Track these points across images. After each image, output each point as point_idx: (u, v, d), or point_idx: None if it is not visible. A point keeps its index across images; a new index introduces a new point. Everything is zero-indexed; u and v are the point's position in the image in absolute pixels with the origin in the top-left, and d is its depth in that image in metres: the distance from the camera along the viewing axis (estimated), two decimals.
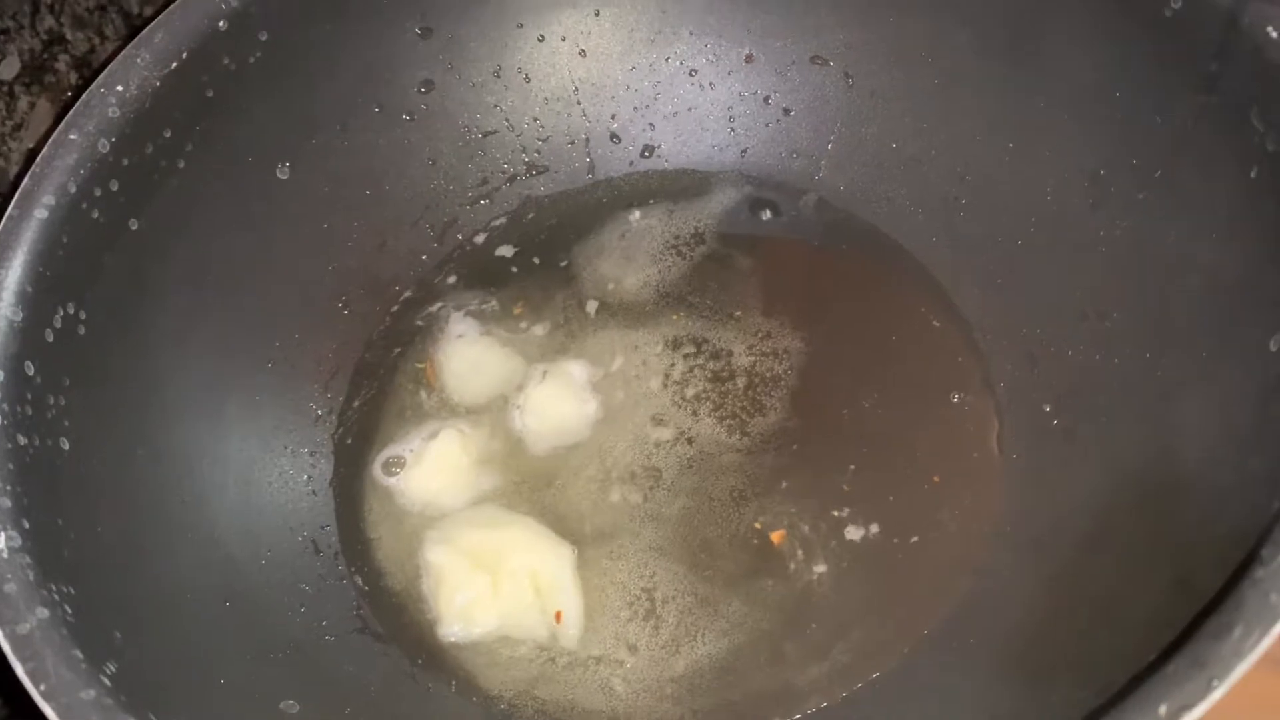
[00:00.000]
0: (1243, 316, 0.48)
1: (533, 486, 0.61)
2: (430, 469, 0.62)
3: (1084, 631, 0.48)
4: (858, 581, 0.57)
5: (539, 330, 0.67)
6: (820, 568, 0.57)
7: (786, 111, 0.70)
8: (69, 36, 0.63)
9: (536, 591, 0.57)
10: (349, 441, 0.64)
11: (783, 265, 0.69)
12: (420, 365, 0.66)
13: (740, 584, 0.57)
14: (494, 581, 0.57)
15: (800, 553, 0.58)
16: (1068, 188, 0.59)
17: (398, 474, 0.62)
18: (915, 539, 0.58)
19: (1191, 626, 0.37)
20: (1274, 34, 0.47)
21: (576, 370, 0.64)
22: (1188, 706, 0.34)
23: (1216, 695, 0.34)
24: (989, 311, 0.63)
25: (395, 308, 0.69)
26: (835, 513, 0.58)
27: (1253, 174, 0.48)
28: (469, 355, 0.66)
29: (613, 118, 0.71)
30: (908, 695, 0.53)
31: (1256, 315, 0.47)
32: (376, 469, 0.63)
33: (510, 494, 0.61)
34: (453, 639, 0.57)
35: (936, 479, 0.59)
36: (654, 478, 0.61)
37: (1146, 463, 0.51)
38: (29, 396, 0.48)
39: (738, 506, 0.59)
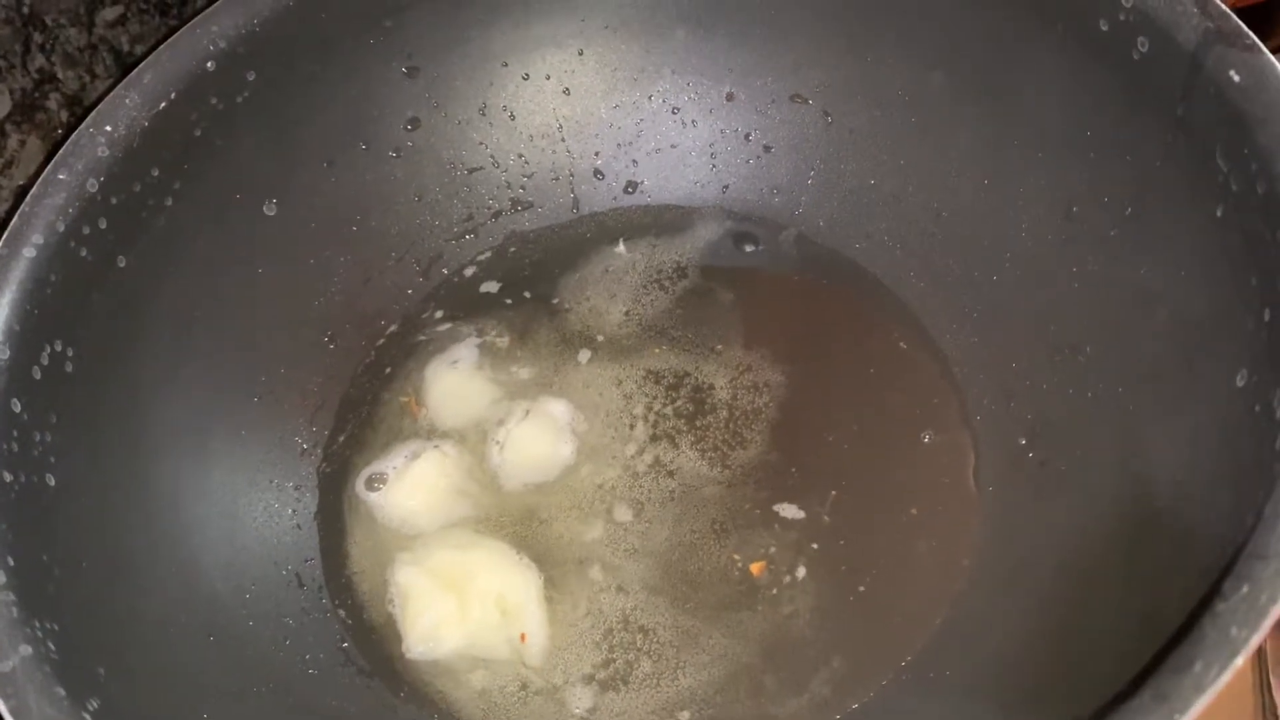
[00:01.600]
0: (1210, 352, 0.49)
1: (513, 519, 0.62)
2: (410, 487, 0.62)
3: (1057, 663, 0.48)
4: (837, 613, 0.57)
5: (522, 361, 0.68)
6: (799, 600, 0.58)
7: (767, 149, 0.71)
8: (60, 75, 0.64)
9: (503, 613, 0.58)
10: (333, 475, 0.64)
11: (763, 300, 0.69)
12: (404, 399, 0.67)
13: (720, 616, 0.57)
14: (460, 602, 0.58)
15: (779, 585, 0.58)
16: (1041, 225, 0.60)
17: (379, 489, 0.63)
18: (893, 571, 0.58)
19: (1155, 659, 0.38)
20: (1235, 77, 0.48)
21: (559, 410, 0.64)
22: None
23: None
24: (966, 346, 0.64)
25: (381, 341, 0.69)
26: (814, 545, 0.59)
27: (1218, 212, 0.49)
28: (455, 383, 0.67)
29: (596, 154, 0.73)
30: None
31: (1223, 351, 0.48)
32: (359, 486, 0.63)
33: (489, 524, 0.62)
34: (416, 656, 0.58)
35: (914, 511, 0.60)
36: (635, 510, 0.61)
37: (1118, 496, 0.51)
38: (15, 433, 0.48)
39: (718, 539, 0.60)
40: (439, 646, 0.58)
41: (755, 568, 0.59)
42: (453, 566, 0.58)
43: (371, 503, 0.63)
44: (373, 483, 0.63)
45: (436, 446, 0.64)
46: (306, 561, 0.61)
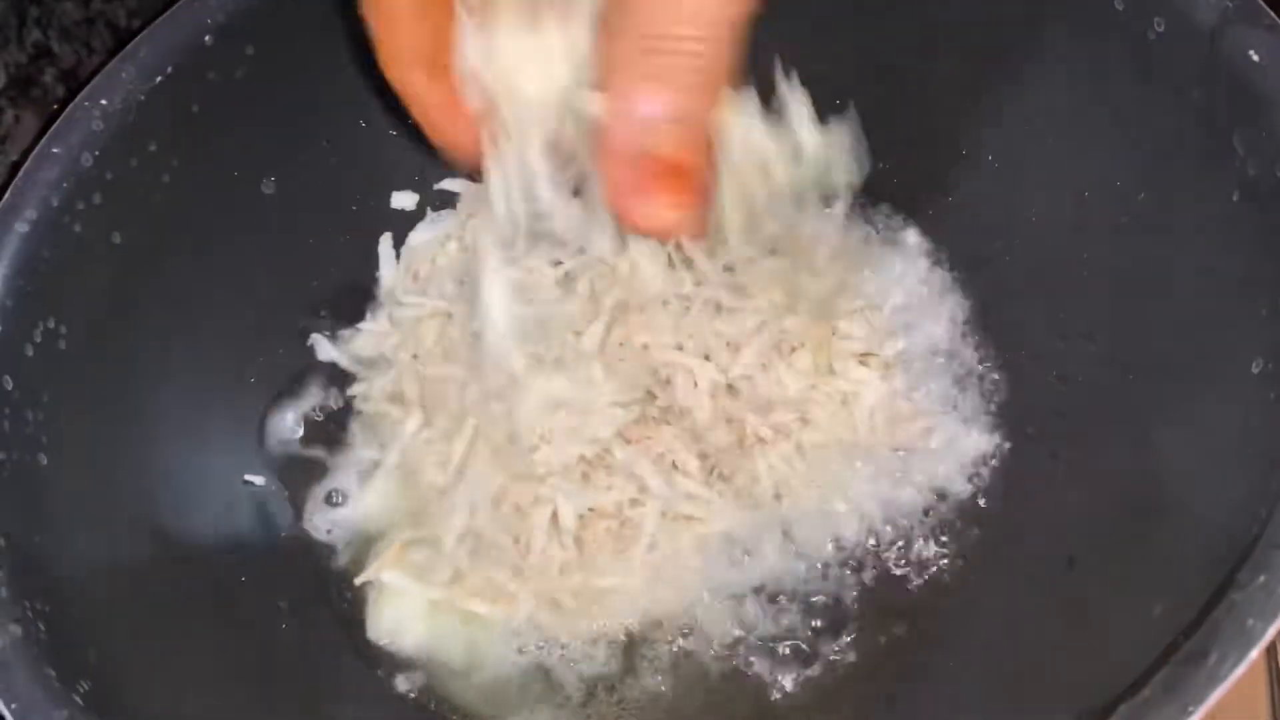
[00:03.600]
0: (1224, 340, 0.48)
1: None
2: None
3: (1070, 656, 0.48)
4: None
5: None
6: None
7: None
8: (55, 49, 0.63)
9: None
10: (331, 457, 0.63)
11: None
12: None
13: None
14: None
15: None
16: (1052, 210, 0.59)
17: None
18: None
19: (1169, 651, 0.37)
20: (1255, 58, 0.47)
21: None
22: None
23: None
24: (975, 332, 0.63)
25: None
26: None
27: (1234, 197, 0.48)
28: None
29: None
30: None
31: (1238, 339, 0.47)
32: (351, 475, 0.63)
33: None
34: (381, 642, 0.57)
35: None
36: None
37: (1128, 485, 0.51)
38: (7, 411, 0.48)
39: None
40: (400, 640, 0.57)
41: None
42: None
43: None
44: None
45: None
46: (304, 546, 0.60)
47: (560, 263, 0.60)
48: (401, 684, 0.56)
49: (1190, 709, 0.35)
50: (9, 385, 0.48)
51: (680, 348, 0.58)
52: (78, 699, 0.42)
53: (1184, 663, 0.36)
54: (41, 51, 0.62)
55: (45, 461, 0.49)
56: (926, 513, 0.58)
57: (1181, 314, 0.51)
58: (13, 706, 0.40)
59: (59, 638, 0.44)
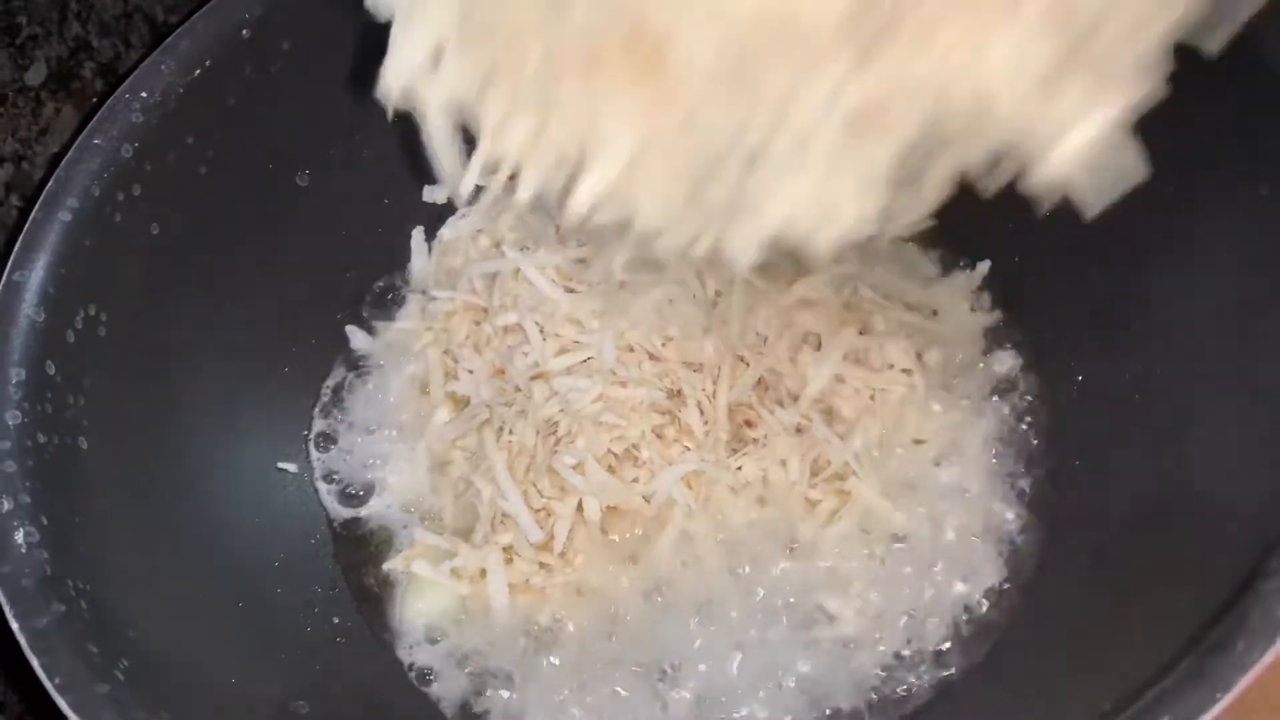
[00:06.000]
0: (1255, 333, 0.48)
1: None
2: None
3: (1097, 647, 0.48)
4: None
5: None
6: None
7: None
8: (95, 44, 0.64)
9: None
10: (362, 446, 0.64)
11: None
12: None
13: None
14: (461, 600, 0.57)
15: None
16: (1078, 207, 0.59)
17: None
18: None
19: (1195, 640, 0.37)
20: None
21: None
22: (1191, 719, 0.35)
23: (1219, 708, 0.34)
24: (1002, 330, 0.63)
25: None
26: None
27: (1263, 191, 0.48)
28: None
29: None
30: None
31: (1268, 335, 0.47)
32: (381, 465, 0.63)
33: None
34: (408, 630, 0.58)
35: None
36: None
37: (1156, 478, 0.51)
38: (49, 395, 0.49)
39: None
40: (428, 630, 0.58)
41: None
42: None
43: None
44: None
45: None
46: (335, 534, 0.61)
47: (585, 260, 0.60)
48: (427, 673, 0.57)
49: (1218, 696, 0.35)
50: (51, 370, 0.49)
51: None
52: (119, 674, 0.42)
53: (1211, 651, 0.36)
54: (81, 45, 0.63)
55: (85, 445, 0.50)
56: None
57: (1209, 310, 0.51)
58: (56, 681, 0.41)
59: (100, 616, 0.44)
